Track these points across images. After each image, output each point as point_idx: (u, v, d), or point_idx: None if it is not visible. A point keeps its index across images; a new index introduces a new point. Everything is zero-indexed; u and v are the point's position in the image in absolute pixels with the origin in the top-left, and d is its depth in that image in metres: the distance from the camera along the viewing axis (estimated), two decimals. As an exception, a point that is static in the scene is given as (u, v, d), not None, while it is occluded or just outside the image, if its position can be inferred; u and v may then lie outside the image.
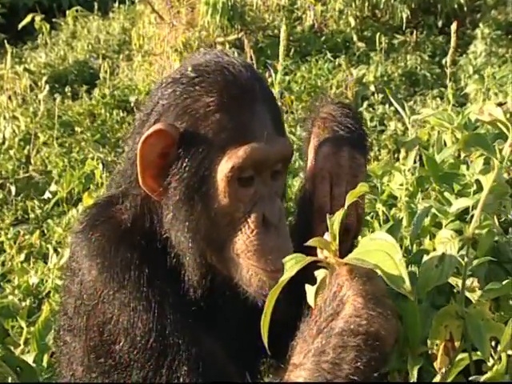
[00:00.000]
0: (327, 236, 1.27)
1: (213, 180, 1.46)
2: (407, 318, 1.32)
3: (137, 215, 1.55)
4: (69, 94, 7.46)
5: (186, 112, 1.47)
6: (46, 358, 2.36)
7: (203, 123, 1.46)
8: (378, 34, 7.75)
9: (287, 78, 6.78)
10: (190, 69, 1.53)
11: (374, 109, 5.94)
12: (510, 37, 7.83)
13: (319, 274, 1.30)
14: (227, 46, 7.93)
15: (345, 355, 1.19)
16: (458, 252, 1.38)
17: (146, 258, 1.49)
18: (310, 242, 1.27)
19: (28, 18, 9.88)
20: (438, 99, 5.79)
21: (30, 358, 2.33)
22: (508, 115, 1.30)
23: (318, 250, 1.30)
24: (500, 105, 1.34)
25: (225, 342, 1.52)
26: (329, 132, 1.69)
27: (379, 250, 1.17)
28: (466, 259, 1.30)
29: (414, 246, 2.06)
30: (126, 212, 1.56)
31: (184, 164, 1.46)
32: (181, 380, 1.43)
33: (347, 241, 1.58)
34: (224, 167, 1.44)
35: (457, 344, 1.26)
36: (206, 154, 1.46)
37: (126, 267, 1.47)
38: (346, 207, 1.28)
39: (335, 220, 1.26)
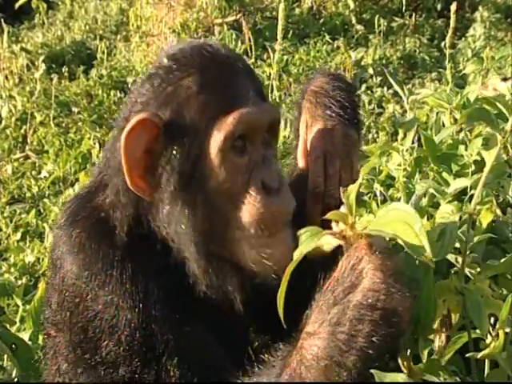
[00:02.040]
0: (343, 208, 1.25)
1: (206, 159, 1.42)
2: (422, 298, 1.30)
3: (124, 210, 1.49)
4: (66, 74, 7.43)
5: (168, 99, 1.44)
6: (42, 335, 2.36)
7: (187, 106, 1.42)
8: (377, 16, 7.72)
9: (285, 57, 6.75)
10: (165, 60, 1.49)
11: (372, 91, 5.91)
12: (509, 20, 7.79)
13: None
14: (225, 27, 7.89)
15: (361, 328, 1.16)
16: (458, 228, 1.37)
17: (128, 253, 1.44)
18: (328, 216, 1.24)
19: (25, -2, 9.82)
20: (436, 82, 5.77)
21: (25, 336, 2.33)
22: None
23: (333, 223, 1.28)
24: (504, 80, 1.33)
25: (217, 326, 1.48)
26: (321, 108, 1.66)
27: (397, 220, 1.14)
28: (466, 234, 1.29)
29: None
30: (110, 205, 1.51)
31: (174, 152, 1.42)
32: (171, 373, 1.40)
33: None
34: (216, 140, 1.41)
35: (454, 320, 1.25)
36: (195, 136, 1.42)
37: (107, 264, 1.43)
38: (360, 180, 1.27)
39: (351, 192, 1.24)
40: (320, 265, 1.28)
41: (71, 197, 1.67)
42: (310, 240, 1.22)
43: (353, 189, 1.25)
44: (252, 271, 1.45)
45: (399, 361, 1.27)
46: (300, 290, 1.30)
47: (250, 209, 1.42)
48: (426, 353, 1.27)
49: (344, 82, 1.72)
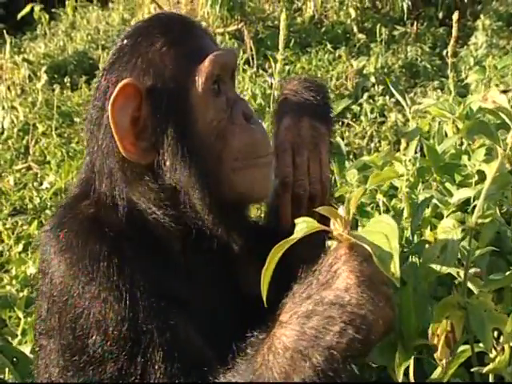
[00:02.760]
0: (341, 210, 1.26)
1: (193, 105, 1.50)
2: (402, 309, 1.31)
3: (110, 207, 1.53)
4: (68, 84, 7.43)
5: (144, 67, 1.50)
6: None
7: (163, 66, 1.50)
8: (379, 25, 7.73)
9: (287, 66, 6.75)
10: (125, 41, 1.56)
11: (374, 100, 5.91)
12: (510, 28, 7.80)
13: (332, 244, 1.30)
14: (227, 36, 7.90)
15: (329, 326, 1.19)
16: (460, 242, 1.37)
17: (116, 248, 1.46)
18: (322, 210, 1.27)
19: (27, 8, 9.84)
20: (438, 90, 5.77)
21: (27, 349, 2.31)
22: (512, 103, 1.28)
23: (332, 221, 1.29)
24: (504, 92, 1.32)
25: (204, 318, 1.51)
26: (290, 105, 1.74)
27: (380, 231, 1.17)
28: (468, 248, 1.28)
29: (415, 236, 2.04)
30: (98, 205, 1.54)
31: (161, 112, 1.49)
32: (156, 367, 1.40)
33: (312, 209, 1.55)
34: (198, 84, 1.50)
35: (458, 335, 1.24)
36: (177, 89, 1.50)
37: (94, 259, 1.43)
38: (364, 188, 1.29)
39: (354, 196, 1.26)
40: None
41: (56, 208, 1.69)
42: (304, 230, 1.25)
43: (356, 193, 1.27)
44: (247, 202, 1.59)
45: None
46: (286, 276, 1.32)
47: (239, 136, 1.52)
48: (402, 368, 1.27)
49: (314, 84, 1.80)
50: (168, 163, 1.50)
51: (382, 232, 1.16)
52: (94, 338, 1.42)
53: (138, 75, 1.50)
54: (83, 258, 1.44)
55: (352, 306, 1.18)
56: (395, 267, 1.09)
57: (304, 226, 1.26)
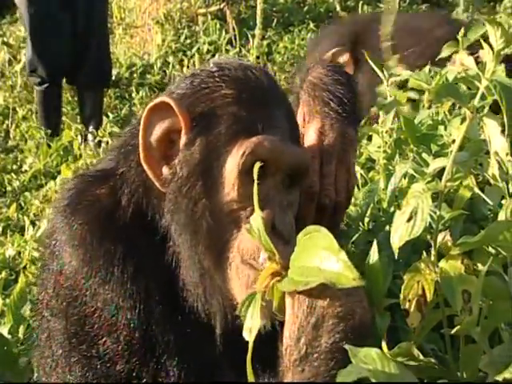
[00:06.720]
0: (263, 255, 1.22)
1: (221, 171, 1.38)
2: (369, 272, 1.29)
3: (131, 202, 1.47)
4: (48, 67, 7.36)
5: (202, 100, 1.42)
6: (21, 329, 2.33)
7: (217, 113, 1.40)
8: (361, 3, 7.70)
9: (270, 45, 6.71)
10: (211, 64, 1.50)
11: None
12: (491, 4, 7.80)
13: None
14: (209, 17, 7.85)
15: (335, 367, 1.14)
16: (431, 207, 1.35)
17: (131, 251, 1.41)
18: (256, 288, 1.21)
19: (6, -8, 9.72)
20: (420, 67, 5.77)
21: (4, 330, 2.30)
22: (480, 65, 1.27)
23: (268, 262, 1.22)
24: (472, 54, 1.30)
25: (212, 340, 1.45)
26: (319, 103, 1.62)
27: (318, 246, 1.11)
28: (438, 213, 1.27)
29: (392, 207, 2.04)
30: (118, 195, 1.48)
31: (192, 151, 1.40)
32: (171, 373, 1.38)
33: (335, 220, 1.55)
34: (235, 156, 1.37)
35: (429, 299, 1.23)
36: (216, 144, 1.39)
37: (109, 261, 1.39)
38: (257, 209, 1.21)
39: (260, 232, 1.19)
40: None
41: (76, 175, 1.63)
42: (252, 310, 1.18)
43: (257, 225, 1.19)
44: (233, 301, 1.40)
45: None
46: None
47: (245, 245, 1.36)
48: (384, 328, 1.25)
49: (344, 75, 1.68)
50: (171, 205, 1.41)
51: (320, 246, 1.11)
52: (104, 339, 1.40)
53: (193, 102, 1.43)
54: (97, 258, 1.40)
55: (345, 330, 1.15)
56: (352, 272, 1.06)
57: (246, 305, 1.19)
